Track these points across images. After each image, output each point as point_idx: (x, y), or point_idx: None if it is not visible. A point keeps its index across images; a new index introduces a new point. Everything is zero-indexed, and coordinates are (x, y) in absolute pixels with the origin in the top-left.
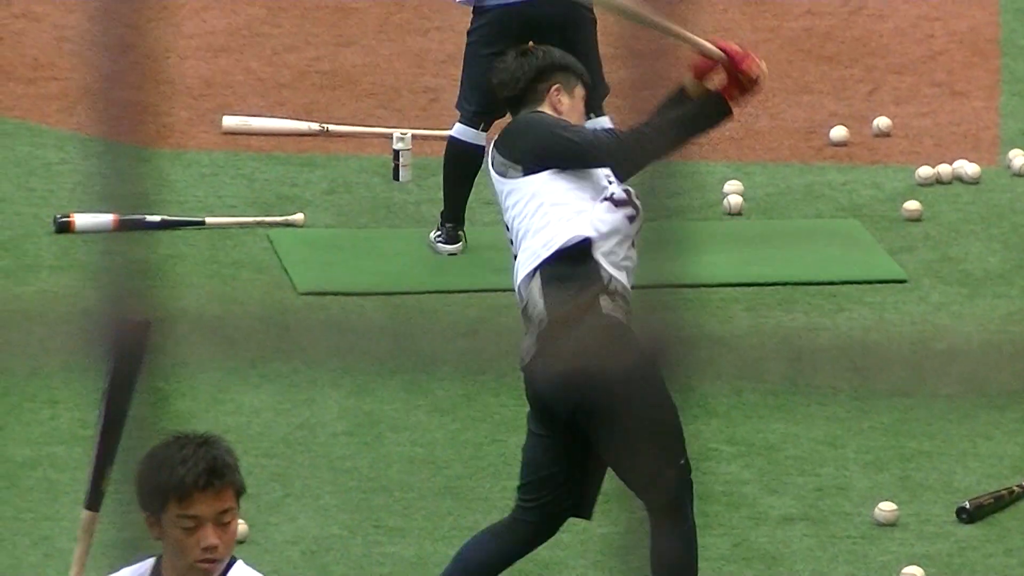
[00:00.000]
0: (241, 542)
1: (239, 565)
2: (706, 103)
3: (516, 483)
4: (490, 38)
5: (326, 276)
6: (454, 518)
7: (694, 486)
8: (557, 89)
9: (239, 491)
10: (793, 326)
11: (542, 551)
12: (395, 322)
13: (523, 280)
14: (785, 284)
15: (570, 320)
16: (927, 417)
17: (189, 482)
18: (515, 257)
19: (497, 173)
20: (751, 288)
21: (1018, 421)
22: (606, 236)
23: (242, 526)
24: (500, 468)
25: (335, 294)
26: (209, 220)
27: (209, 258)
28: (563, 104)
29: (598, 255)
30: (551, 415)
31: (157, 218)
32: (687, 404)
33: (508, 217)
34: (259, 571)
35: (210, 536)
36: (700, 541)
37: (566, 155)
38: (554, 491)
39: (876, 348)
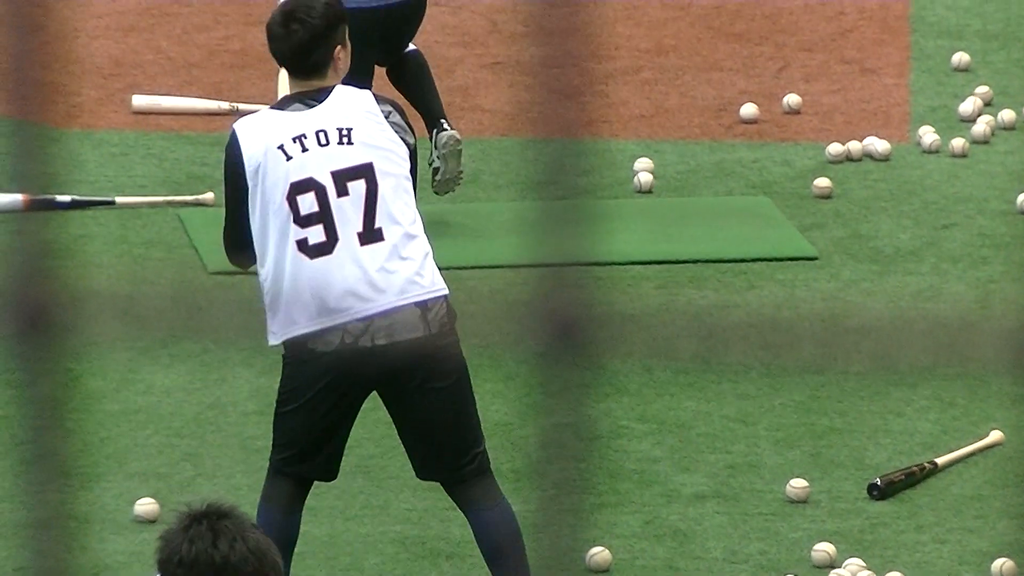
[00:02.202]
0: (152, 522)
1: None
2: None
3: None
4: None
5: None
6: (365, 497)
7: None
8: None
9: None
10: (704, 304)
11: (454, 529)
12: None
13: (424, 264)
14: (696, 262)
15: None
16: (838, 394)
17: None
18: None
19: (394, 130)
20: (662, 266)
21: (929, 398)
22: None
23: (152, 505)
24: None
25: (245, 273)
26: (119, 200)
27: (119, 238)
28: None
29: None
30: (362, 387)
31: (67, 198)
32: (598, 382)
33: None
34: None
35: None
36: (612, 518)
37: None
38: (315, 457)
39: (787, 325)
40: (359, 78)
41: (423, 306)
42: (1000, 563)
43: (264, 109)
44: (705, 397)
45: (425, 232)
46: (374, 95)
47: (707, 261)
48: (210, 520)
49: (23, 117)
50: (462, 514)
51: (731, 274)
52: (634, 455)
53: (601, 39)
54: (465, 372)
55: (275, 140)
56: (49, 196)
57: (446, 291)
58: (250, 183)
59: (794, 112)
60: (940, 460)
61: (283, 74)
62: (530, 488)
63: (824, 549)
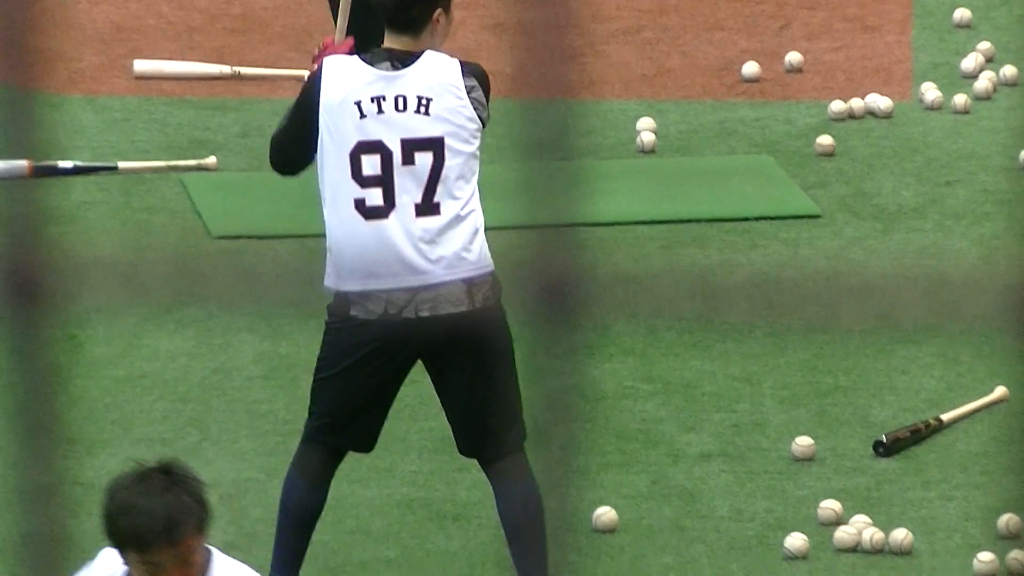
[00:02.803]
0: None
1: (216, 556)
2: None
3: (419, 423)
4: None
5: (240, 220)
6: (371, 459)
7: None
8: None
9: (203, 524)
10: (707, 263)
11: (460, 492)
12: (310, 265)
13: (474, 240)
14: (699, 221)
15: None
16: (843, 352)
17: (149, 538)
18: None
19: (473, 107)
20: (665, 225)
21: (933, 355)
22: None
23: None
24: (416, 409)
25: (249, 237)
26: (122, 165)
27: (122, 203)
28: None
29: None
30: (403, 358)
31: (70, 164)
32: (602, 343)
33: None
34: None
35: (173, 574)
36: (618, 479)
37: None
38: (350, 427)
39: (790, 284)
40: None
41: (469, 282)
42: (1006, 518)
43: (356, 57)
44: (710, 357)
45: (480, 205)
46: (462, 65)
47: (710, 220)
48: (154, 473)
49: (25, 84)
50: (468, 476)
51: (734, 233)
52: (639, 415)
53: (602, 0)
54: (509, 349)
55: (354, 95)
56: (52, 163)
57: (492, 267)
58: (321, 122)
59: (796, 70)
60: (945, 417)
61: (344, 4)
62: (536, 450)
63: (830, 507)
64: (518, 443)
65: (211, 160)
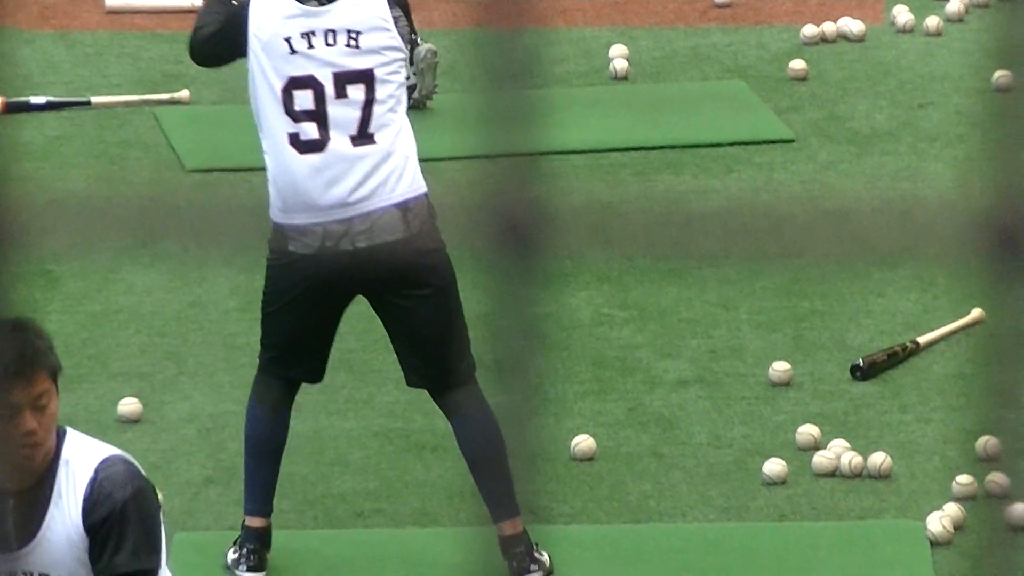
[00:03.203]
0: (136, 421)
1: (71, 434)
2: None
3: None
4: None
5: (214, 153)
6: (348, 391)
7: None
8: None
9: (54, 372)
10: (682, 189)
11: (438, 422)
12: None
13: (407, 165)
14: (673, 148)
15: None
16: (819, 277)
17: (1, 375)
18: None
19: (400, 36)
20: (639, 152)
21: (910, 278)
22: None
23: (136, 405)
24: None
25: (223, 170)
26: (95, 100)
27: (95, 138)
28: None
29: None
30: (343, 291)
31: (42, 100)
32: (578, 271)
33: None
34: (155, 450)
35: (28, 421)
36: (596, 407)
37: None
38: (299, 358)
39: (766, 209)
40: None
41: (404, 207)
42: (984, 440)
43: None
44: (686, 283)
45: (412, 132)
46: None
47: (684, 147)
48: (2, 321)
49: None
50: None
51: (708, 159)
52: (616, 343)
53: None
54: (451, 280)
55: (284, 30)
56: (24, 98)
57: (425, 189)
58: (251, 55)
59: None
60: (922, 340)
61: None
62: (513, 379)
63: (808, 431)
64: (469, 374)
65: (184, 94)
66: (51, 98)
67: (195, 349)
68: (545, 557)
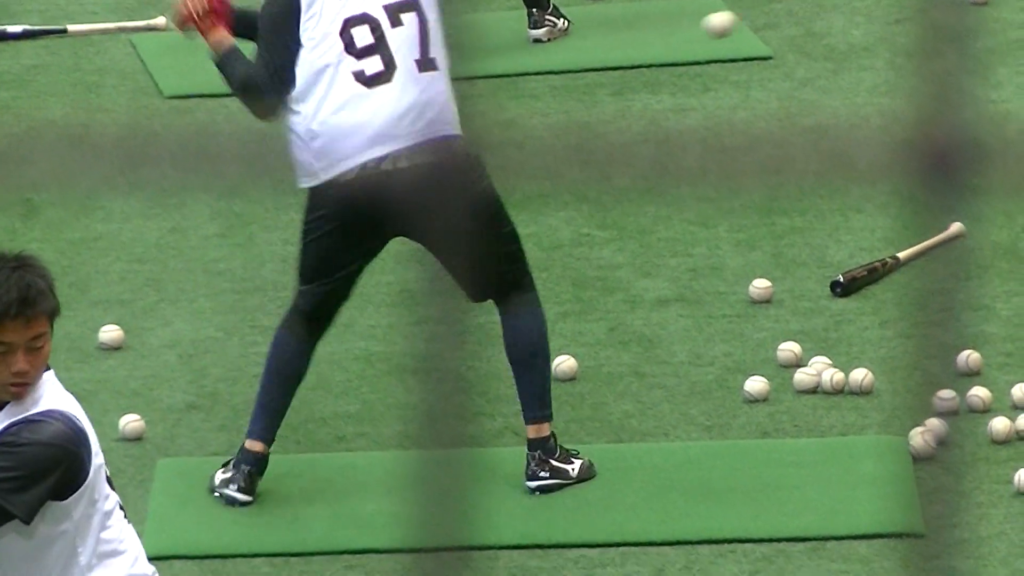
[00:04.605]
0: (117, 348)
1: (50, 375)
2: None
3: (377, 277)
4: None
5: (191, 79)
6: None
7: (530, 276)
8: None
9: (52, 315)
10: (660, 108)
11: (419, 345)
12: (261, 123)
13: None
14: (650, 66)
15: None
16: (797, 194)
17: (1, 310)
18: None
19: None
20: (616, 72)
21: (889, 194)
22: None
23: (117, 332)
24: (374, 263)
25: (200, 97)
26: (71, 28)
27: (73, 66)
28: None
29: None
30: (378, 221)
31: (18, 28)
32: (556, 191)
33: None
34: (137, 376)
35: (20, 362)
36: (576, 327)
37: None
38: (336, 283)
39: (743, 126)
40: None
41: (454, 134)
42: (966, 355)
43: None
44: (664, 202)
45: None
46: None
47: (661, 65)
48: (5, 257)
49: None
50: (427, 329)
51: (686, 77)
52: (596, 262)
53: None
54: (493, 203)
55: None
56: (1, 27)
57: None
58: (303, 19)
59: None
60: (902, 255)
61: None
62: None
63: (789, 348)
64: (520, 280)
65: (160, 20)
66: (27, 26)
67: (175, 275)
68: (571, 466)
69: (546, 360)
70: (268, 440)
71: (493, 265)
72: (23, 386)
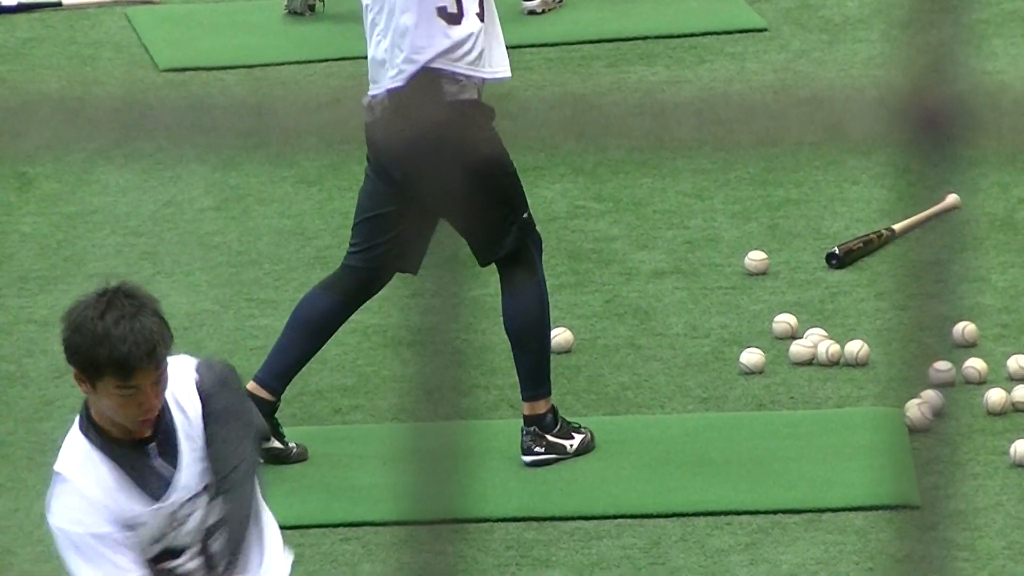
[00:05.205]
0: None
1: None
2: None
3: None
4: None
5: (186, 52)
6: None
7: (542, 242)
8: None
9: (171, 343)
10: (655, 80)
11: (414, 317)
12: (257, 95)
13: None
14: (645, 38)
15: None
16: (793, 165)
17: (133, 364)
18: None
19: None
20: (612, 44)
21: (884, 165)
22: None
23: None
24: None
25: (196, 69)
26: (66, 1)
27: (67, 39)
28: None
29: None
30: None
31: (13, 2)
32: (552, 163)
33: None
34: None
35: (150, 399)
36: (572, 299)
37: None
38: (381, 238)
39: (739, 98)
40: None
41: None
42: (962, 326)
43: None
44: (660, 174)
45: None
46: None
47: (657, 37)
48: (119, 298)
49: None
50: (422, 302)
51: (681, 49)
52: (591, 235)
53: None
54: (491, 165)
55: None
56: None
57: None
58: None
59: None
60: (897, 226)
61: None
62: (488, 271)
63: (785, 320)
64: (517, 252)
65: None
66: (22, 0)
67: (171, 248)
68: (570, 441)
69: (543, 340)
70: (276, 391)
71: (481, 232)
72: (151, 418)
